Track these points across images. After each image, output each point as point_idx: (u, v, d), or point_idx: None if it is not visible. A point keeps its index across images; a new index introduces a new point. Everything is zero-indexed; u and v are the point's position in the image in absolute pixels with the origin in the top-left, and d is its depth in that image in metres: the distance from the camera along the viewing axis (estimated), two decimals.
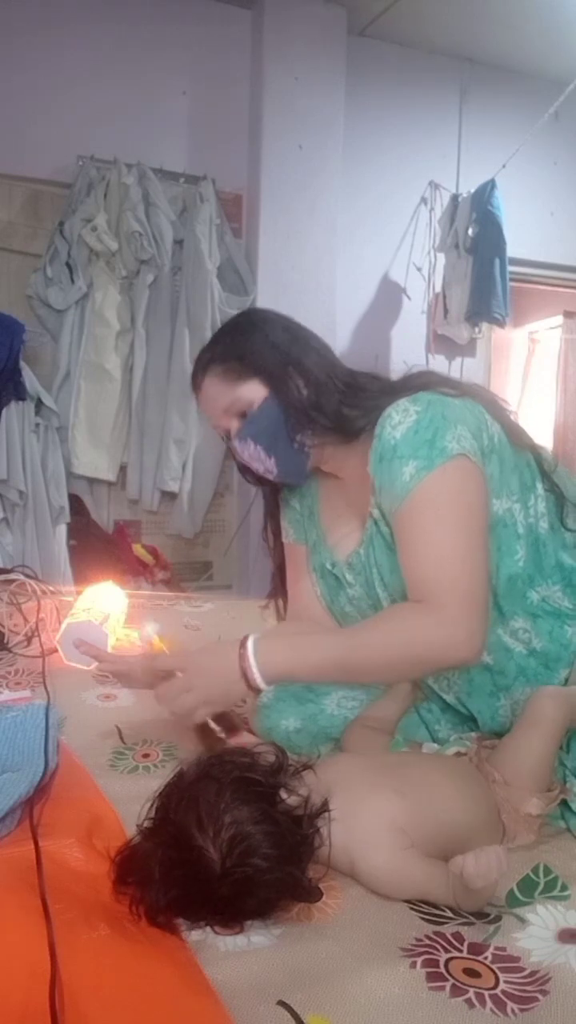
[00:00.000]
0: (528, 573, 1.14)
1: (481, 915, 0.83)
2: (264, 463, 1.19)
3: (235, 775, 0.82)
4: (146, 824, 0.82)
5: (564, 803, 1.03)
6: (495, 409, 1.15)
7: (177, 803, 0.81)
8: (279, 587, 1.40)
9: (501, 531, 1.12)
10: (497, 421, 1.13)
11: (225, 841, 0.76)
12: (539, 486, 1.16)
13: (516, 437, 1.16)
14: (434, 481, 1.02)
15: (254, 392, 1.15)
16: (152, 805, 0.83)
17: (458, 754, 1.03)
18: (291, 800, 0.83)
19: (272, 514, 1.38)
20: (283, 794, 0.83)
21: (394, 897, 0.84)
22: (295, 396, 1.14)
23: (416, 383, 1.14)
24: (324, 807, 0.84)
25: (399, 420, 1.06)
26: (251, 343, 1.17)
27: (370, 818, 0.87)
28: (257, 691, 1.05)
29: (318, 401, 1.14)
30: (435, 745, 1.08)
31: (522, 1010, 0.69)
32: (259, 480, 1.29)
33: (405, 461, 1.04)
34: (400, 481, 1.04)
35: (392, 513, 1.08)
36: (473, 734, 1.10)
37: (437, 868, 0.84)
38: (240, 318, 1.26)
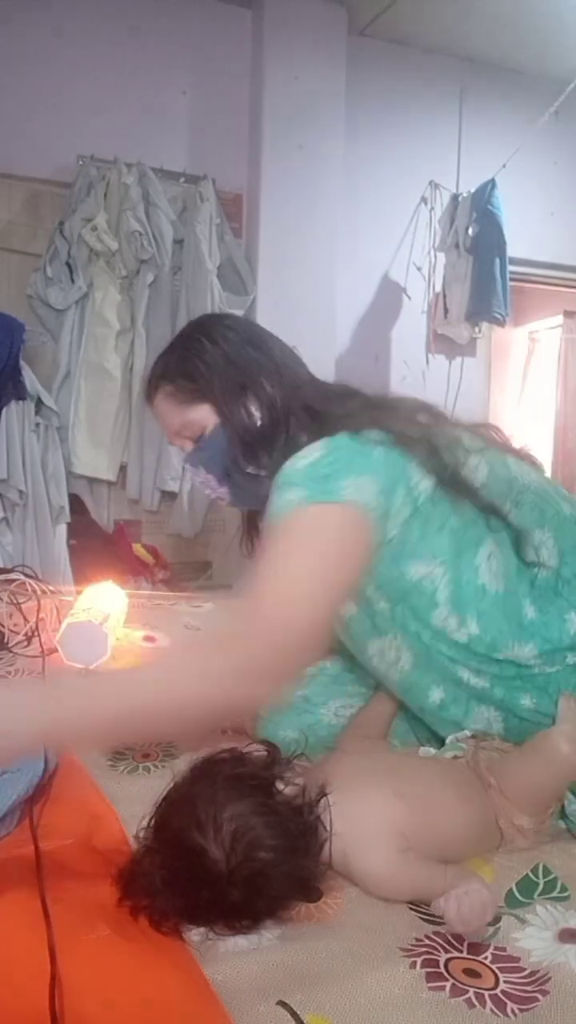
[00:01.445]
0: (491, 635, 1.01)
1: None
2: (215, 491, 1.15)
3: (227, 772, 0.82)
4: (144, 839, 0.81)
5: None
6: (437, 461, 1.01)
7: (172, 809, 0.80)
8: None
9: (416, 600, 1.01)
10: (434, 475, 1.01)
11: (227, 837, 0.75)
12: (488, 542, 1.02)
13: (460, 490, 1.02)
14: (310, 513, 0.93)
15: (205, 418, 1.10)
16: (149, 819, 0.81)
17: (456, 758, 1.03)
18: (288, 790, 0.83)
19: (248, 532, 1.31)
20: (279, 785, 0.82)
21: (390, 900, 0.84)
22: (247, 424, 1.08)
23: (387, 406, 1.08)
24: (322, 793, 0.83)
25: (306, 454, 0.99)
26: (205, 362, 1.10)
27: (369, 819, 0.87)
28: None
29: (272, 430, 1.08)
30: (431, 750, 1.07)
31: (522, 1010, 0.69)
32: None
33: (291, 488, 0.95)
34: (282, 502, 0.95)
35: (263, 535, 1.04)
36: (468, 733, 1.09)
37: (435, 871, 0.83)
38: (198, 329, 1.16)
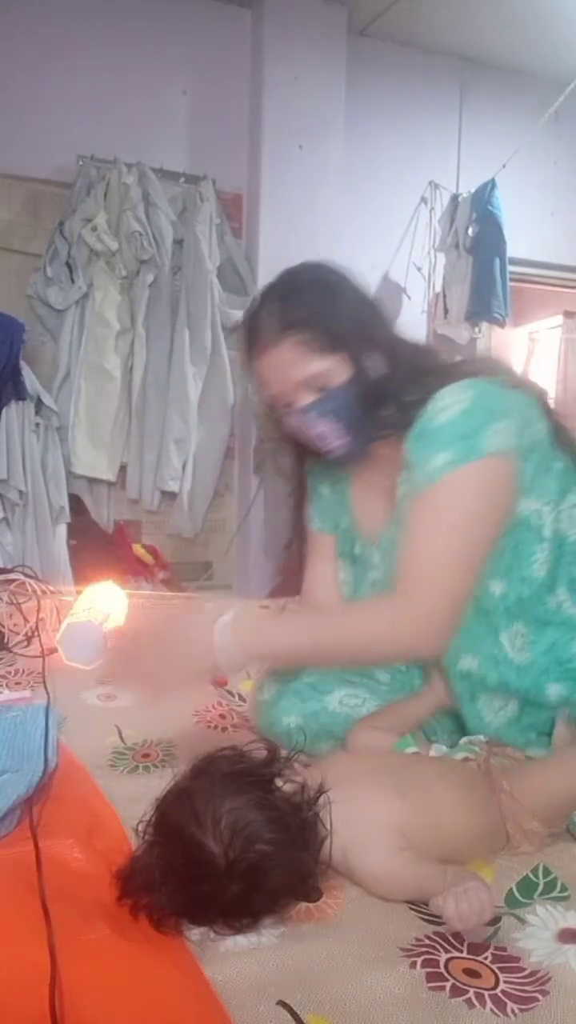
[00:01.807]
0: (549, 578, 1.11)
1: None
2: (334, 441, 1.12)
3: (227, 769, 0.82)
4: (144, 833, 0.81)
5: None
6: (545, 407, 1.12)
7: (172, 805, 0.80)
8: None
9: (522, 532, 1.09)
10: (546, 419, 1.11)
11: (225, 831, 0.75)
12: (573, 495, 1.12)
13: (561, 439, 1.12)
14: (458, 478, 1.01)
15: (338, 367, 1.08)
16: (150, 816, 0.82)
17: (466, 759, 1.03)
18: (287, 787, 0.83)
19: (301, 502, 1.34)
20: (279, 782, 0.83)
21: (389, 899, 0.84)
22: (377, 377, 1.09)
23: (476, 368, 1.13)
24: (321, 790, 0.83)
25: (447, 404, 1.04)
26: (336, 312, 1.08)
27: (368, 818, 0.87)
28: (224, 670, 1.06)
29: (400, 381, 1.10)
30: (444, 748, 1.08)
31: (522, 1010, 0.69)
32: (300, 461, 1.27)
33: (439, 448, 1.02)
34: (429, 467, 1.02)
35: (408, 496, 1.07)
36: (483, 738, 1.10)
37: (434, 871, 0.83)
38: (315, 279, 1.14)
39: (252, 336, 1.12)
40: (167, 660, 1.06)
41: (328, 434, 1.11)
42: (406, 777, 0.94)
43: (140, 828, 0.82)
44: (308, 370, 1.07)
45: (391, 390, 1.09)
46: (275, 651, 1.10)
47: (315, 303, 1.09)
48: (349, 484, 1.28)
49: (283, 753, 0.88)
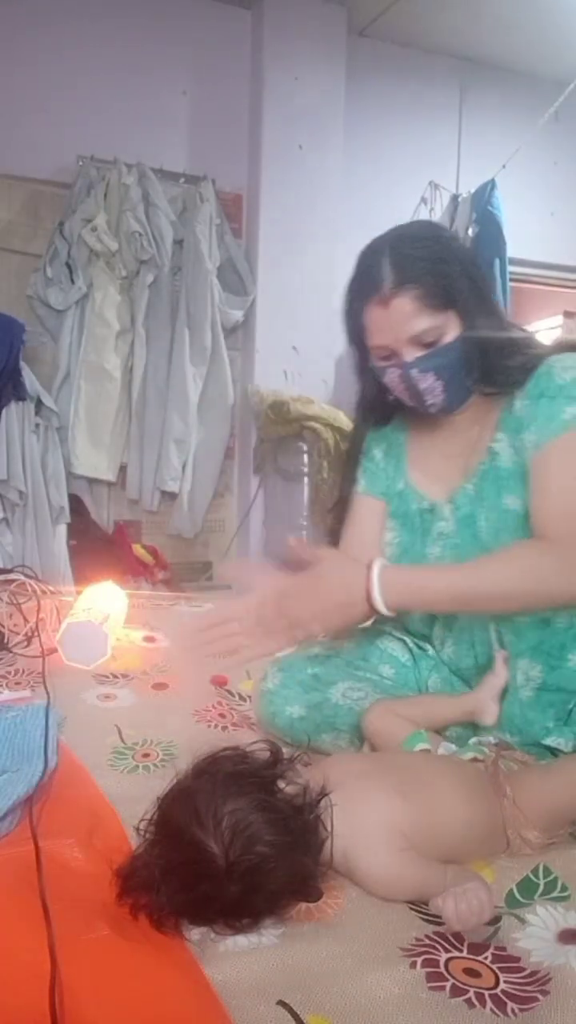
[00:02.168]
0: None
1: None
2: (435, 397, 1.16)
3: (229, 769, 0.82)
4: (144, 832, 0.81)
5: None
6: None
7: (173, 804, 0.80)
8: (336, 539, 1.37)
9: None
10: None
11: (226, 832, 0.75)
12: None
13: None
14: None
15: (450, 325, 1.11)
16: (151, 815, 0.81)
17: (475, 759, 1.03)
18: (289, 789, 0.82)
19: (356, 464, 1.35)
20: (281, 783, 0.82)
21: (389, 899, 0.84)
22: (484, 339, 1.13)
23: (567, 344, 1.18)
24: (323, 793, 0.83)
25: (570, 365, 1.11)
26: (451, 271, 1.11)
27: (369, 819, 0.86)
28: (378, 615, 1.07)
29: (501, 347, 1.15)
30: (452, 747, 1.08)
31: (522, 1010, 0.69)
32: (380, 414, 1.30)
33: (568, 402, 1.08)
34: (558, 419, 1.08)
35: (537, 446, 1.10)
36: (492, 739, 1.10)
37: (434, 871, 0.83)
38: (434, 237, 1.16)
39: (366, 284, 1.13)
40: (322, 606, 1.08)
41: (430, 390, 1.15)
42: (408, 777, 0.94)
43: (141, 827, 0.82)
44: (421, 325, 1.10)
45: (493, 352, 1.14)
46: (431, 595, 1.10)
47: (434, 260, 1.11)
48: (405, 449, 1.31)
49: (286, 754, 0.88)
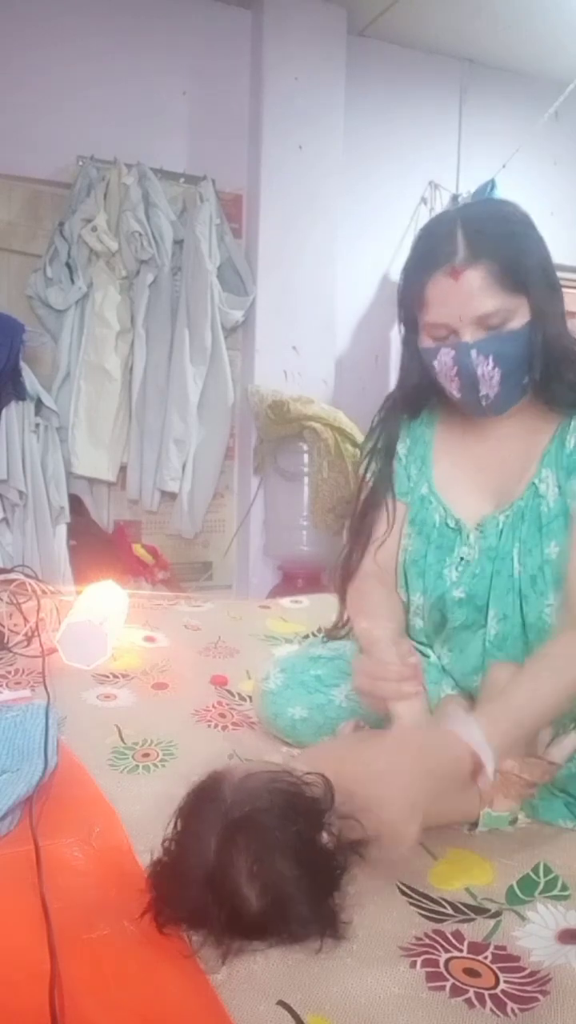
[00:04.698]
0: None
1: (480, 911, 0.83)
2: (490, 387, 1.06)
3: (278, 808, 0.78)
4: (175, 855, 0.78)
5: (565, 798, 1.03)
6: None
7: (220, 837, 0.76)
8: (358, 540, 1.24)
9: None
10: None
11: (262, 890, 0.74)
12: None
13: None
14: None
15: (519, 312, 1.03)
16: (177, 818, 0.80)
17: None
18: (327, 840, 0.80)
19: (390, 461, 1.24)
20: (324, 836, 0.80)
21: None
22: (550, 336, 1.04)
23: None
24: (360, 844, 0.80)
25: None
26: (531, 260, 1.03)
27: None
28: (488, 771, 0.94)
29: (564, 350, 1.06)
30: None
31: (522, 1010, 0.69)
32: (412, 408, 1.21)
33: None
34: None
35: None
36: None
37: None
38: (512, 217, 1.08)
39: (435, 253, 1.03)
40: (432, 783, 0.90)
41: (487, 378, 1.04)
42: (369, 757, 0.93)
43: (165, 844, 0.80)
44: (491, 304, 1.01)
45: (558, 356, 1.05)
46: (528, 727, 1.00)
47: (512, 237, 1.04)
48: (431, 450, 1.22)
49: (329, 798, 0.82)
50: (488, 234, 1.02)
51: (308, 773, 0.83)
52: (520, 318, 1.03)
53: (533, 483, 1.09)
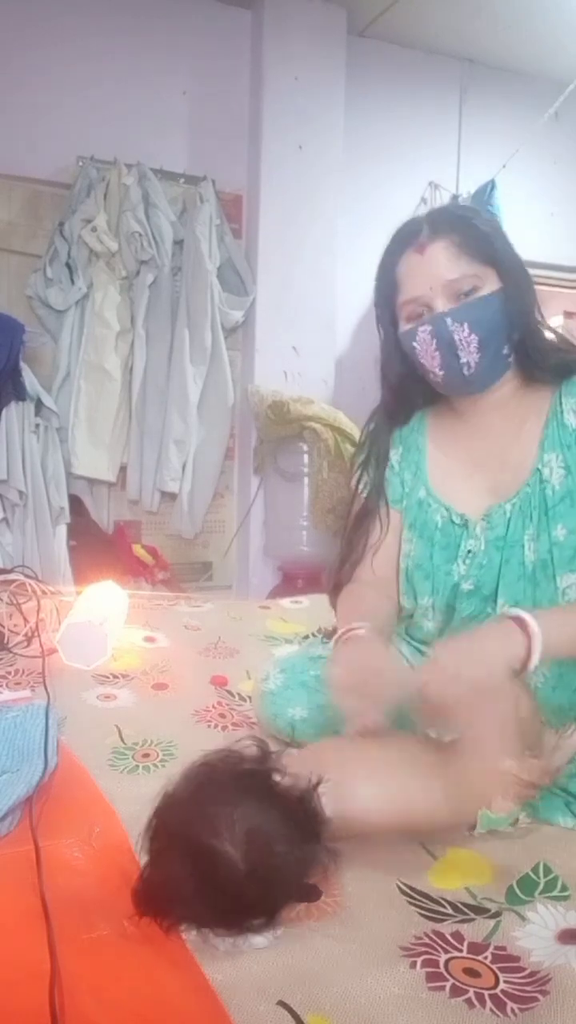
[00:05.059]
0: None
1: (480, 911, 0.84)
2: (469, 354, 1.08)
3: (227, 771, 0.83)
4: (152, 848, 0.80)
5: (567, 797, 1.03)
6: None
7: (180, 817, 0.79)
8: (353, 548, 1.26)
9: None
10: None
11: (241, 837, 0.76)
12: None
13: None
14: None
15: (487, 278, 1.08)
16: (150, 827, 0.81)
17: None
18: (285, 781, 0.84)
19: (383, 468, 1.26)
20: (276, 777, 0.84)
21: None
22: (524, 303, 1.10)
23: None
24: (319, 780, 0.84)
25: None
26: (493, 235, 1.10)
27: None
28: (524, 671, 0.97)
29: (538, 325, 1.11)
30: None
31: (522, 1010, 0.69)
32: (401, 411, 1.24)
33: None
34: None
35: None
36: None
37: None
38: (471, 209, 1.20)
39: (401, 238, 1.12)
40: (470, 674, 0.95)
41: (464, 345, 1.08)
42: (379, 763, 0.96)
43: (142, 843, 0.81)
44: (459, 270, 1.07)
45: (533, 326, 1.11)
46: (568, 639, 1.00)
47: (473, 217, 1.12)
48: (424, 454, 1.24)
49: (272, 748, 0.89)
50: (449, 213, 1.13)
51: (240, 739, 0.89)
52: (490, 285, 1.08)
53: (537, 469, 1.10)
